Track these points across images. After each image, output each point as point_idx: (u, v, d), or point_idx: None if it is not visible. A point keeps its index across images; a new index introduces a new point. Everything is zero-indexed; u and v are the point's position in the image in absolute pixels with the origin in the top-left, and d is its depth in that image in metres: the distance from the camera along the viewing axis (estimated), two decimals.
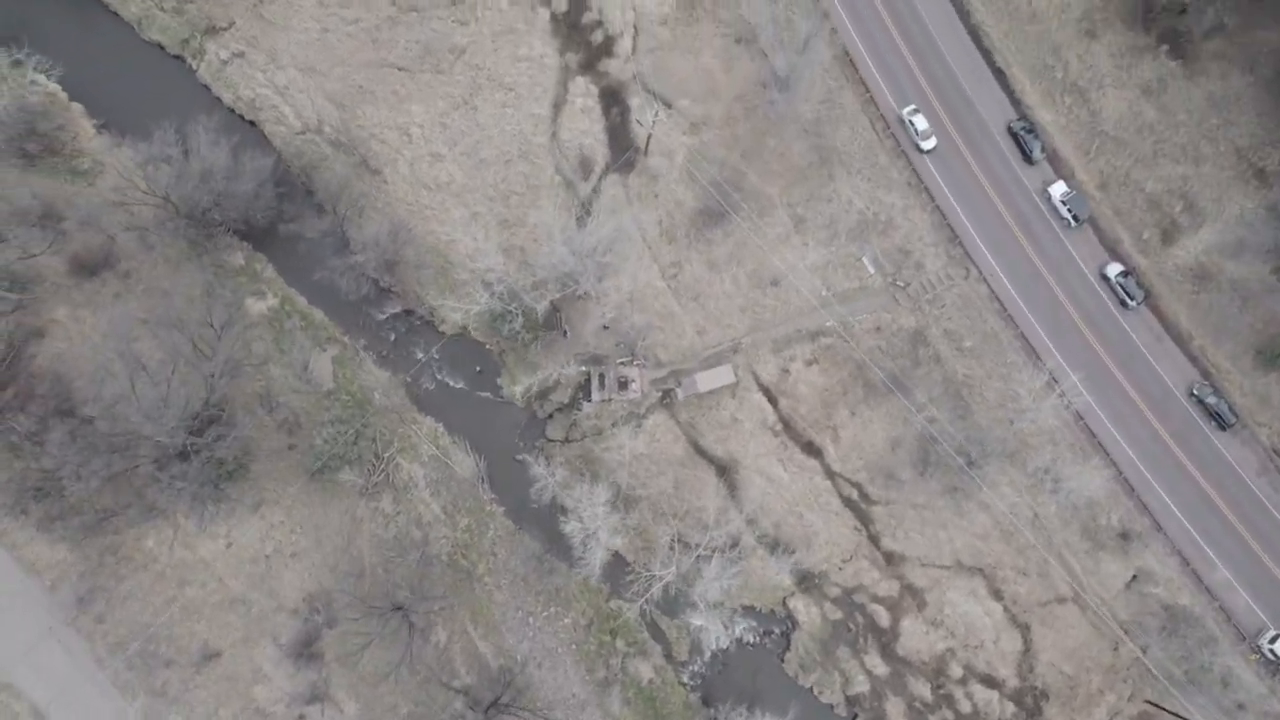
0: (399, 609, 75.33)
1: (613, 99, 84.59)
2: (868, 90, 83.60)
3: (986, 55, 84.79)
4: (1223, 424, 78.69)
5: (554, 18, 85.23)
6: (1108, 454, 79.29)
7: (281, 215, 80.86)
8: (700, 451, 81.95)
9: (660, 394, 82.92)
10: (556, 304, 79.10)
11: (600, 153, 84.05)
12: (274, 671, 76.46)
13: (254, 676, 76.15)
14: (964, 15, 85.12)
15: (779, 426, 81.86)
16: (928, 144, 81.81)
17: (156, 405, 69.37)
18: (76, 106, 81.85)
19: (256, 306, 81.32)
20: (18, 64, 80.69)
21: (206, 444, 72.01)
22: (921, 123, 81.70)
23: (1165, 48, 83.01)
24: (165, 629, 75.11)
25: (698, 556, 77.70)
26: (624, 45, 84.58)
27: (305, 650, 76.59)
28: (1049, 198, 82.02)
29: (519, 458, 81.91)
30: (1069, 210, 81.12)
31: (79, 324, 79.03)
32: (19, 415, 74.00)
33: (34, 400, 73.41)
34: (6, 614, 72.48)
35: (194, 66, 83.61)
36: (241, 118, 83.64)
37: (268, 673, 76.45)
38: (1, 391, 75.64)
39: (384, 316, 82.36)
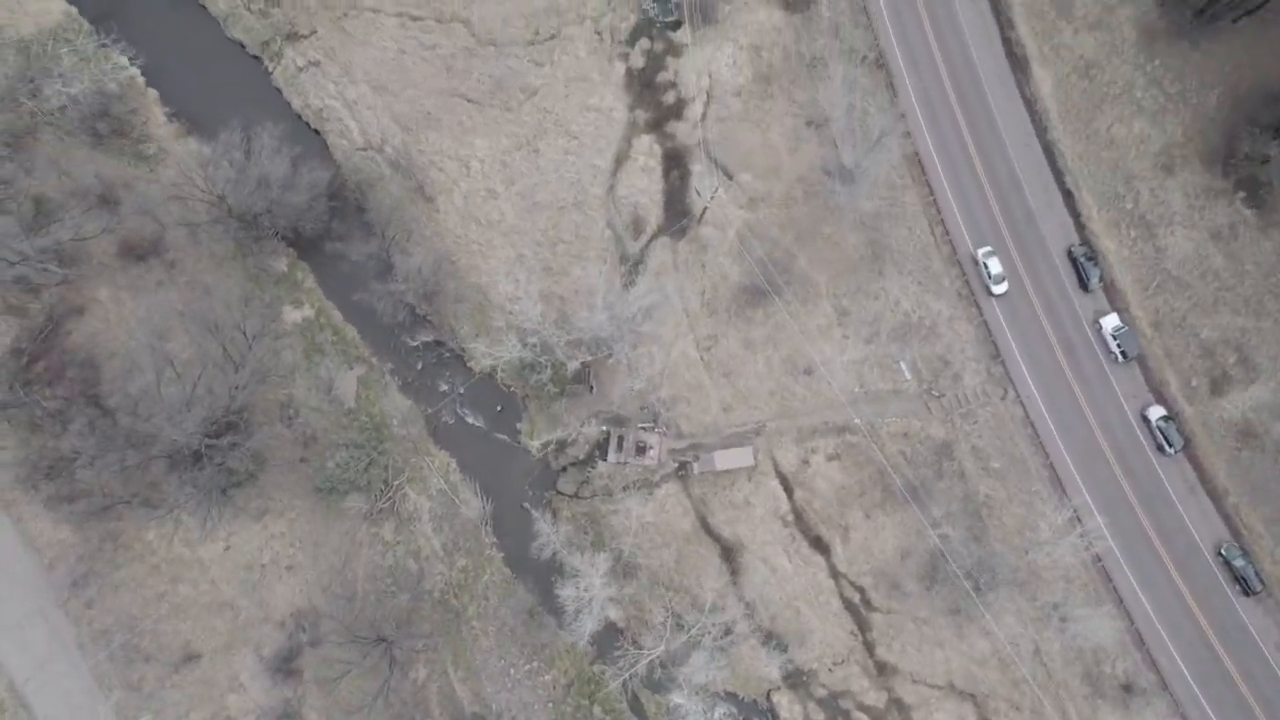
0: (383, 641, 74.97)
1: (675, 162, 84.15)
2: (932, 193, 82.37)
3: (1058, 174, 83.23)
4: (1248, 589, 76.09)
5: (629, 73, 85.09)
6: (1122, 602, 77.00)
7: (330, 230, 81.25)
8: (708, 529, 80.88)
9: (677, 465, 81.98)
10: (587, 361, 78.57)
11: (654, 214, 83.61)
12: (250, 682, 76.35)
13: (230, 684, 76.07)
14: (1041, 130, 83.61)
15: (790, 517, 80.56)
16: (999, 288, 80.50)
17: (179, 405, 69.78)
18: (152, 93, 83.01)
19: (292, 315, 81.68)
20: (104, 47, 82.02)
21: (221, 450, 72.24)
22: (996, 266, 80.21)
23: (1242, 195, 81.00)
24: (151, 624, 75.30)
25: (689, 638, 76.56)
26: (694, 110, 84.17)
27: (285, 666, 76.43)
28: (1100, 329, 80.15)
29: (526, 506, 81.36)
30: (1119, 345, 79.19)
31: (119, 306, 79.89)
32: (46, 390, 74.92)
33: (63, 380, 74.19)
34: (3, 592, 73.15)
35: (270, 69, 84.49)
36: (307, 126, 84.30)
37: (244, 682, 76.35)
38: (34, 364, 76.77)
39: (415, 344, 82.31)
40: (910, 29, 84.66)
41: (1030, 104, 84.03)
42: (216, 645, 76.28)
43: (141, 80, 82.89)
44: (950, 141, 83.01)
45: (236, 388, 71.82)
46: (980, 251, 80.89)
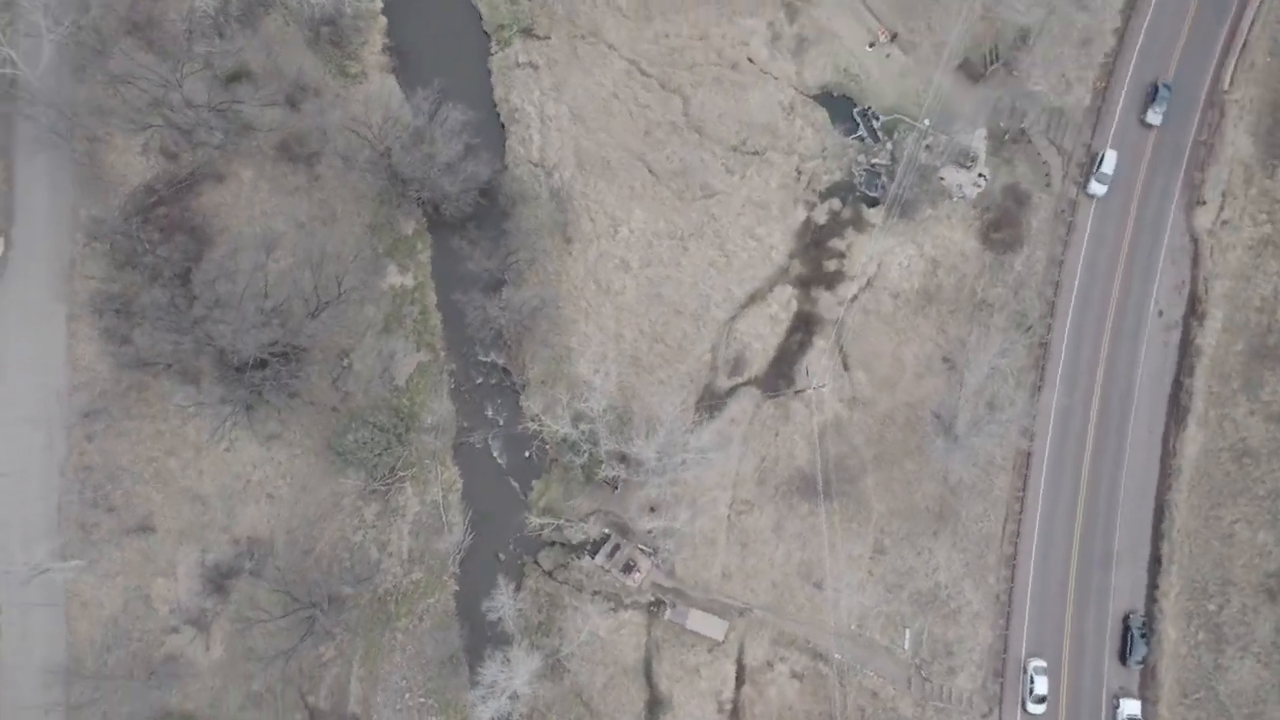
0: (312, 607, 75.55)
1: (804, 327, 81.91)
2: (1024, 491, 78.32)
3: (1157, 536, 78.21)
4: None
5: (807, 223, 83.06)
6: None
7: (465, 225, 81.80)
8: (648, 673, 79.00)
9: (653, 599, 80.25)
10: (618, 475, 77.40)
11: (758, 363, 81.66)
12: (183, 577, 77.91)
13: (165, 569, 77.78)
14: (1164, 485, 78.55)
15: (729, 706, 78.04)
16: (1038, 707, 75.61)
17: (252, 321, 71.26)
18: (382, 20, 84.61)
19: (394, 278, 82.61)
20: None
21: (267, 375, 73.70)
22: (1042, 686, 75.29)
23: None
24: (130, 482, 77.49)
25: None
26: (847, 290, 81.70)
27: (219, 580, 77.78)
28: (1117, 708, 75.09)
29: (501, 557, 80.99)
30: None
31: (254, 191, 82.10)
32: (155, 237, 77.50)
33: (173, 239, 76.60)
34: (24, 386, 76.27)
35: (493, 51, 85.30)
36: (497, 117, 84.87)
37: (178, 574, 77.97)
38: (158, 206, 79.59)
39: (485, 360, 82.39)
40: (1088, 326, 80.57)
41: (1167, 455, 79.14)
42: (172, 529, 78.07)
43: (379, 4, 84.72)
44: (1068, 457, 78.70)
45: (307, 333, 72.92)
46: (1031, 664, 76.09)
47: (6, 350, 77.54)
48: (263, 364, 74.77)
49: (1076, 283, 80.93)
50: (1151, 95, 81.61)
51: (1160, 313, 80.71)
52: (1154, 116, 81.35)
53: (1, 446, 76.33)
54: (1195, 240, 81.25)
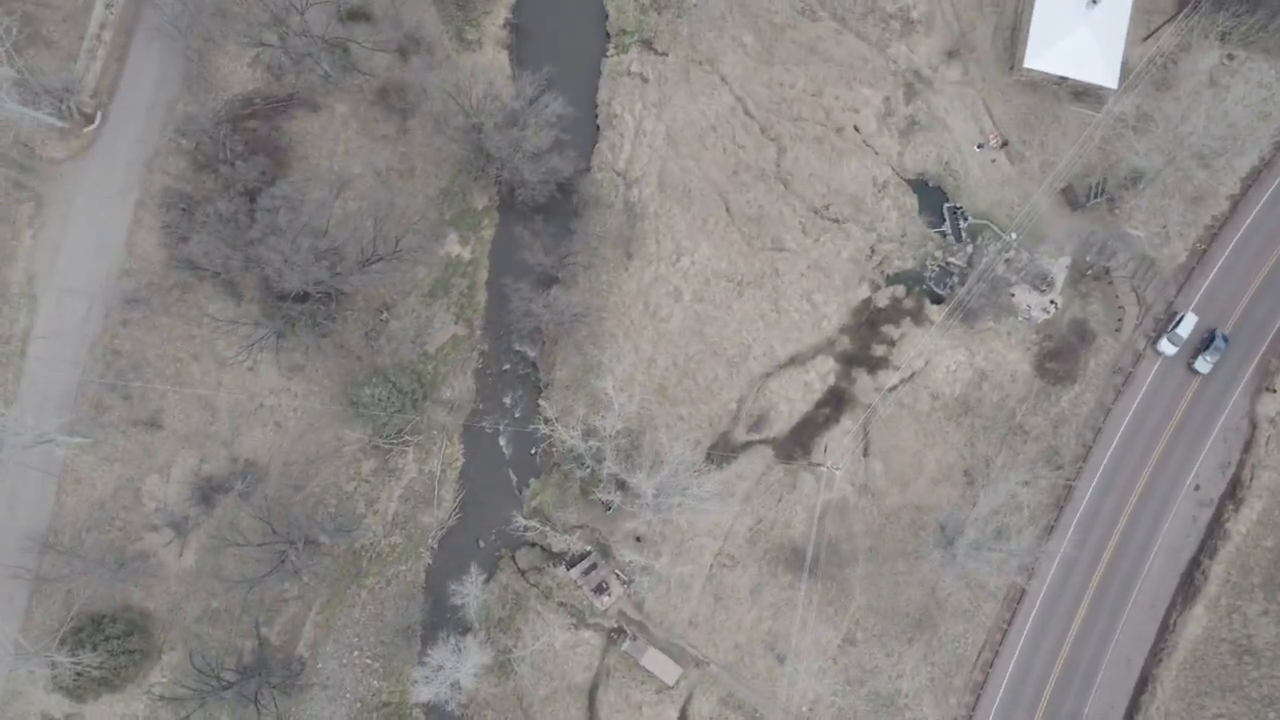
0: (288, 544, 76.28)
1: (835, 402, 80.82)
2: (1008, 626, 76.56)
3: (1132, 708, 75.96)
4: None
5: (867, 302, 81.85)
6: None
7: (533, 215, 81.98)
8: (592, 698, 78.64)
9: (615, 625, 79.90)
10: (614, 500, 77.06)
11: (779, 426, 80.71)
12: (174, 480, 79.03)
13: (160, 468, 79.01)
14: (1153, 659, 76.31)
15: None
16: None
17: (306, 250, 71.93)
18: None
19: (452, 247, 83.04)
20: None
21: (306, 310, 74.52)
22: None
23: None
24: (151, 375, 78.84)
25: None
26: (887, 379, 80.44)
27: (208, 492, 78.85)
28: None
29: (480, 544, 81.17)
30: None
31: (343, 128, 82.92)
32: (239, 147, 78.60)
33: (256, 154, 77.65)
34: (81, 257, 78.07)
35: (608, 53, 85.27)
36: (595, 117, 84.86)
37: (171, 476, 79.14)
38: (250, 118, 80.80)
39: (518, 350, 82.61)
40: (1119, 481, 78.53)
41: (1164, 629, 76.94)
42: (178, 430, 79.28)
43: None
44: (1063, 604, 76.78)
45: (354, 281, 73.62)
46: None
47: (75, 219, 79.42)
48: (304, 298, 75.65)
49: (1119, 436, 78.86)
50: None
51: (1197, 487, 78.38)
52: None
53: (48, 311, 78.21)
54: (1254, 425, 78.76)
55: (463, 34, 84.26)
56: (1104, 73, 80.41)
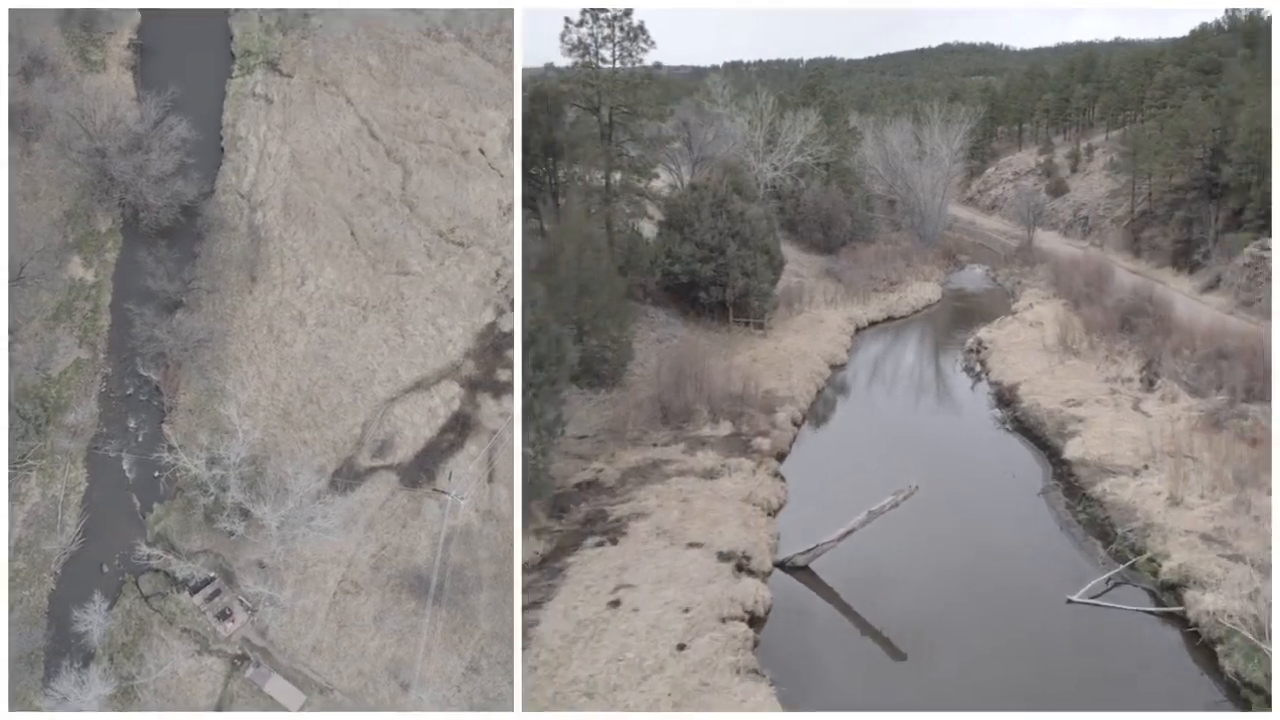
0: None
1: (459, 428, 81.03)
2: None
3: None
4: None
5: (491, 327, 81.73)
6: None
7: (157, 242, 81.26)
8: None
9: (241, 652, 79.91)
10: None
11: (404, 452, 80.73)
12: None
13: None
14: None
15: None
16: None
17: None
18: (137, 16, 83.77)
19: (76, 270, 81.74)
20: None
21: None
22: None
23: None
24: None
25: None
26: (512, 403, 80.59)
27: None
28: None
29: (105, 570, 79.70)
30: None
31: None
32: None
33: None
34: None
35: (233, 75, 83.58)
36: (219, 140, 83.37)
37: None
38: None
39: (142, 374, 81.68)
40: None
41: None
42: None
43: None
44: None
45: None
46: None
47: None
48: None
49: None
50: None
51: None
52: None
53: None
54: None
55: (87, 55, 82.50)
56: None
